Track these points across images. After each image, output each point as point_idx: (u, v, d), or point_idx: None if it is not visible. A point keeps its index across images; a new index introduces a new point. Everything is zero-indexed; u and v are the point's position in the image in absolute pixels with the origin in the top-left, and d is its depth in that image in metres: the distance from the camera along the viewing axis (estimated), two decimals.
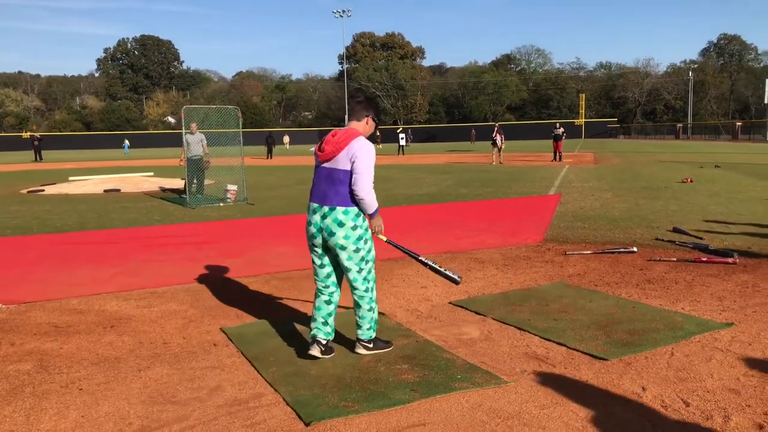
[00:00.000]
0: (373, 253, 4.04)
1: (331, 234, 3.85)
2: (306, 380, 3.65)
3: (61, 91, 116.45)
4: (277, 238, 8.73)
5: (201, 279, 6.37)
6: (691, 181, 15.74)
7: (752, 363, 3.77)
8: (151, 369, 3.92)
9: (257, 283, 6.19)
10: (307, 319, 4.80)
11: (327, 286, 4.06)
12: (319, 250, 3.98)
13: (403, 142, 43.08)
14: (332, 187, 3.85)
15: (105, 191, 17.02)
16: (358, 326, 4.07)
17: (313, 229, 3.93)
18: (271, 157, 38.71)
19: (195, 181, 14.20)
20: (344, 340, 4.34)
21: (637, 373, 3.66)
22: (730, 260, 6.48)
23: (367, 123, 4.05)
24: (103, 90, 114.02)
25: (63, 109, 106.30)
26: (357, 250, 3.90)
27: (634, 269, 6.36)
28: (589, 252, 7.20)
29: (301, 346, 4.25)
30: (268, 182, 19.47)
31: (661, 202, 11.68)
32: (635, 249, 7.18)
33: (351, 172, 3.80)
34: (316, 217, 3.90)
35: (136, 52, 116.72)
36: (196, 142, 14.21)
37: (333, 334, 4.13)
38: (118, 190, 17.12)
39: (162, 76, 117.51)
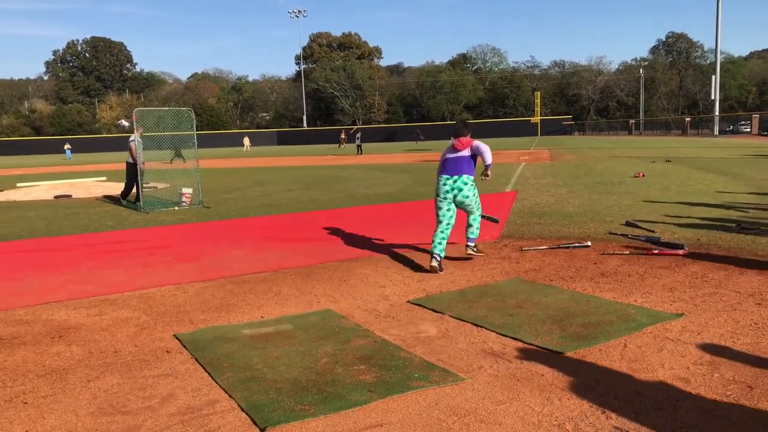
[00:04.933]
0: (479, 197, 6.69)
1: (460, 190, 6.48)
2: (261, 385, 3.59)
3: (8, 95, 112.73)
4: (232, 242, 8.60)
5: (154, 285, 6.22)
6: (643, 176, 16.10)
7: (701, 352, 3.85)
8: (101, 379, 3.80)
9: (212, 287, 6.08)
10: (263, 323, 4.81)
11: (448, 223, 6.49)
12: (448, 202, 6.52)
13: (359, 142, 43.14)
14: (463, 165, 6.52)
15: (55, 197, 16.53)
16: (470, 230, 6.68)
17: (447, 188, 6.50)
18: (184, 160, 38.85)
19: (140, 186, 13.51)
20: (303, 343, 4.30)
21: (592, 365, 3.71)
22: (680, 252, 6.63)
23: (470, 135, 6.63)
24: (53, 93, 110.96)
25: (10, 114, 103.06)
26: (475, 195, 6.60)
27: (588, 263, 6.46)
28: (544, 247, 7.29)
29: (257, 350, 4.18)
30: (225, 185, 19.19)
31: (614, 197, 11.91)
32: (589, 243, 7.30)
33: (474, 156, 6.56)
34: (450, 182, 6.50)
35: (87, 55, 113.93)
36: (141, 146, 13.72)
37: (443, 255, 6.40)
38: (70, 196, 16.65)
39: (115, 79, 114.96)
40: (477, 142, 6.56)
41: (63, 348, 4.42)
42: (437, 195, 6.60)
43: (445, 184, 6.52)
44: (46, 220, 11.81)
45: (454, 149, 6.58)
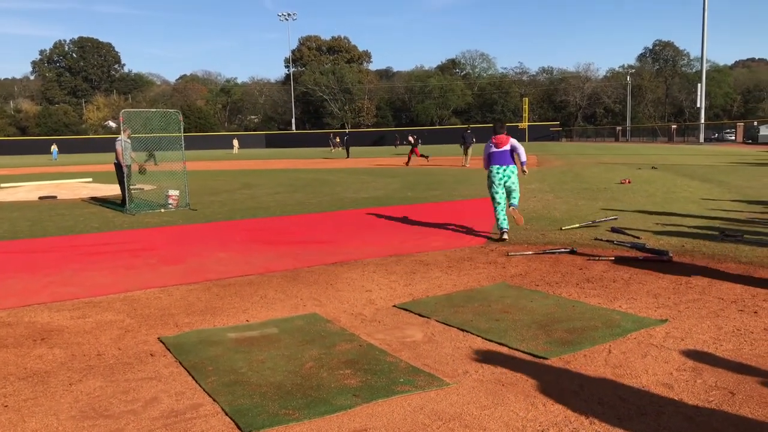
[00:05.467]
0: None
1: (509, 177, 8.35)
2: (246, 389, 3.57)
3: None
4: (219, 245, 8.56)
5: (139, 287, 6.18)
6: (629, 182, 16.22)
7: (685, 358, 3.88)
8: (83, 382, 3.76)
9: (197, 290, 6.05)
10: (248, 327, 4.78)
11: (502, 201, 8.39)
12: (501, 187, 8.38)
13: (346, 145, 43.17)
14: (507, 157, 8.38)
15: (40, 198, 16.38)
16: (513, 201, 8.45)
17: (500, 177, 8.35)
18: (156, 164, 38.62)
19: (129, 187, 13.48)
20: (288, 347, 4.28)
21: (576, 371, 3.72)
22: (665, 258, 6.68)
23: (506, 132, 8.55)
24: (39, 93, 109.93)
25: None
26: (517, 181, 8.45)
27: (573, 269, 6.49)
28: (530, 252, 7.32)
29: (241, 354, 4.16)
30: (212, 187, 19.12)
31: (600, 203, 11.99)
32: (575, 249, 7.33)
33: (513, 151, 8.39)
34: (501, 171, 8.34)
35: (74, 55, 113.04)
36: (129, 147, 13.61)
37: (507, 226, 8.40)
38: (55, 197, 16.51)
39: (102, 80, 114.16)
40: (514, 141, 8.47)
41: (45, 351, 4.37)
42: (492, 182, 8.43)
43: (497, 173, 8.38)
44: (30, 221, 11.70)
45: (496, 146, 8.39)
